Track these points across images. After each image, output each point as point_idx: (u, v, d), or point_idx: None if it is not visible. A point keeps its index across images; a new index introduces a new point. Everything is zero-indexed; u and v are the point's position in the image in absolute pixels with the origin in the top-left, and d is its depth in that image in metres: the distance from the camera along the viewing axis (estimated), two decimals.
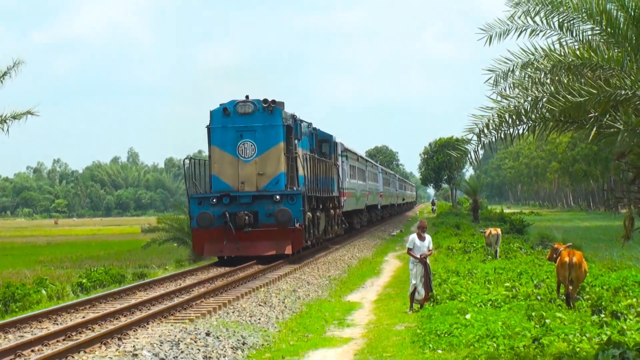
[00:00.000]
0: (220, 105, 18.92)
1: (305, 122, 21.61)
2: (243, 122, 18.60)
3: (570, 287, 10.97)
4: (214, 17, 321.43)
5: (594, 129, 7.64)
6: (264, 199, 18.44)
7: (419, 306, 11.86)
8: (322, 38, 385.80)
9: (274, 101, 18.72)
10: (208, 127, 18.85)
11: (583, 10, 8.37)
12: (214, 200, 18.22)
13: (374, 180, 42.02)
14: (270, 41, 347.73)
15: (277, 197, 18.19)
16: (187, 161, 19.86)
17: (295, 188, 19.00)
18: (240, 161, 18.49)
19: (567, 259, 10.89)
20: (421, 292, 11.83)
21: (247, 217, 17.85)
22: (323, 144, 24.86)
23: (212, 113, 18.82)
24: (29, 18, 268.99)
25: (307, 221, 19.17)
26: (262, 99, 18.69)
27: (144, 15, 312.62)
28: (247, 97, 18.76)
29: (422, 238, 12.02)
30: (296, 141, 19.64)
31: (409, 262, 12.30)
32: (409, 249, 12.05)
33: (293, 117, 19.73)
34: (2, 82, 19.53)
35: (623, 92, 7.26)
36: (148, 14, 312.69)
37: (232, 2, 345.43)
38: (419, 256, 11.80)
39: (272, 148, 18.53)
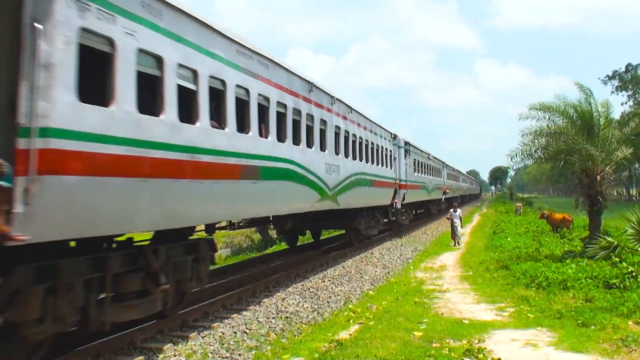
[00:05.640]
0: None
1: None
2: None
3: (559, 229, 23.79)
4: None
5: (562, 161, 19.94)
6: None
7: (454, 242, 24.33)
8: None
9: None
10: None
11: (559, 112, 20.53)
12: None
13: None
14: None
15: None
16: None
17: None
18: None
19: (556, 216, 23.68)
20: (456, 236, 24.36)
21: None
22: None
23: None
24: None
25: None
26: None
27: None
28: None
29: (455, 210, 24.32)
30: None
31: (462, 224, 25.14)
32: (449, 216, 24.72)
33: None
34: None
35: (575, 145, 19.43)
36: None
37: None
38: (448, 217, 24.59)
39: None
